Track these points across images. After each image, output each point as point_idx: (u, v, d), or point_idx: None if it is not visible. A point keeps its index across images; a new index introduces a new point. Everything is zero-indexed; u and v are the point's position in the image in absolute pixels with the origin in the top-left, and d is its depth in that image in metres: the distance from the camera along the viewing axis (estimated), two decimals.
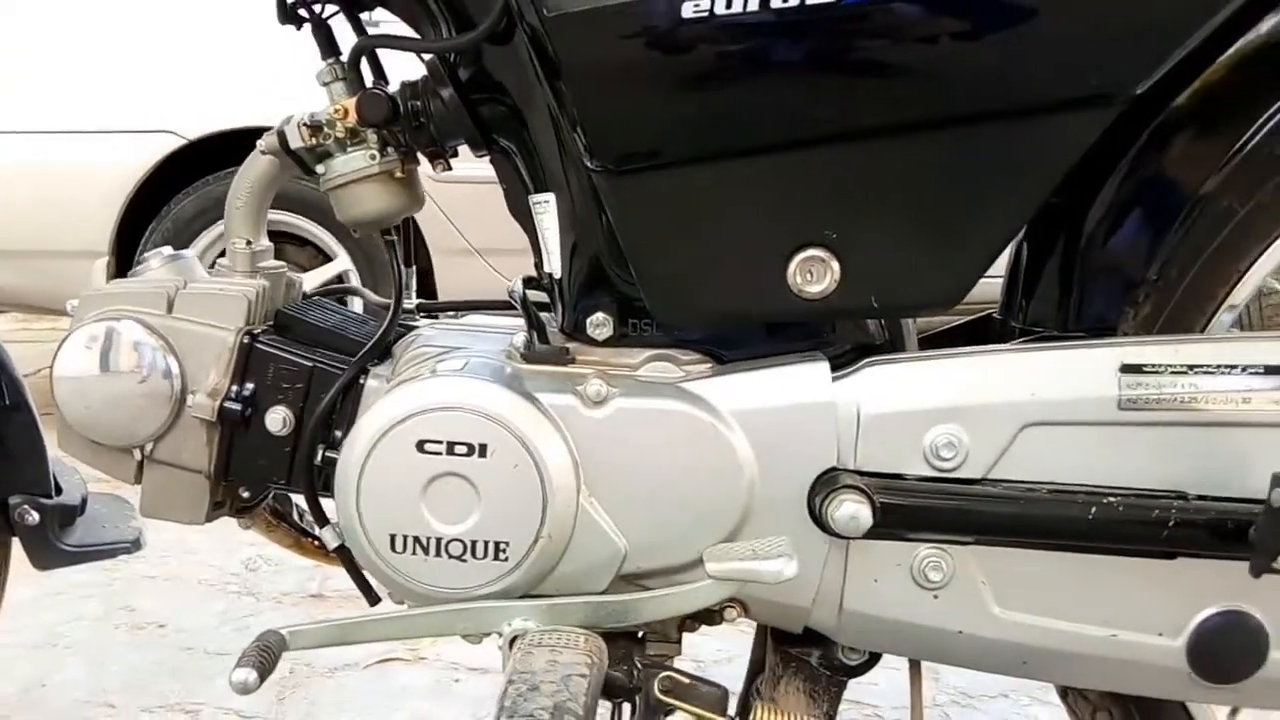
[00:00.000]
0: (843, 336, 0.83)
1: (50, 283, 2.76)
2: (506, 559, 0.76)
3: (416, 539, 0.76)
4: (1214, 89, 0.84)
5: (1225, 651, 0.79)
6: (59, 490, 1.06)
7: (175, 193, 2.86)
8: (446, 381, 0.77)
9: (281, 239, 3.18)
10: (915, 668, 0.91)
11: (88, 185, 2.79)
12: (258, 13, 1.07)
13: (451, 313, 1.02)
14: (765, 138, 0.73)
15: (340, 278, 2.85)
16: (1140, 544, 0.77)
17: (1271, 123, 0.80)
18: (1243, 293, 0.85)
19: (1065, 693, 0.96)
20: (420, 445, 0.75)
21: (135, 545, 1.19)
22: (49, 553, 1.05)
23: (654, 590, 0.76)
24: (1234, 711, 0.97)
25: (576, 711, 0.59)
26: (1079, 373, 0.78)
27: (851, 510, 0.75)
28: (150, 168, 2.85)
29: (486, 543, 0.76)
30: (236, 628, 1.77)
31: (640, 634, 0.86)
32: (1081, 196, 0.85)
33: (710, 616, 0.84)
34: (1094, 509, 0.76)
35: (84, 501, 1.08)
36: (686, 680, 0.76)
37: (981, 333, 0.94)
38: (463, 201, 2.99)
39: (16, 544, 1.07)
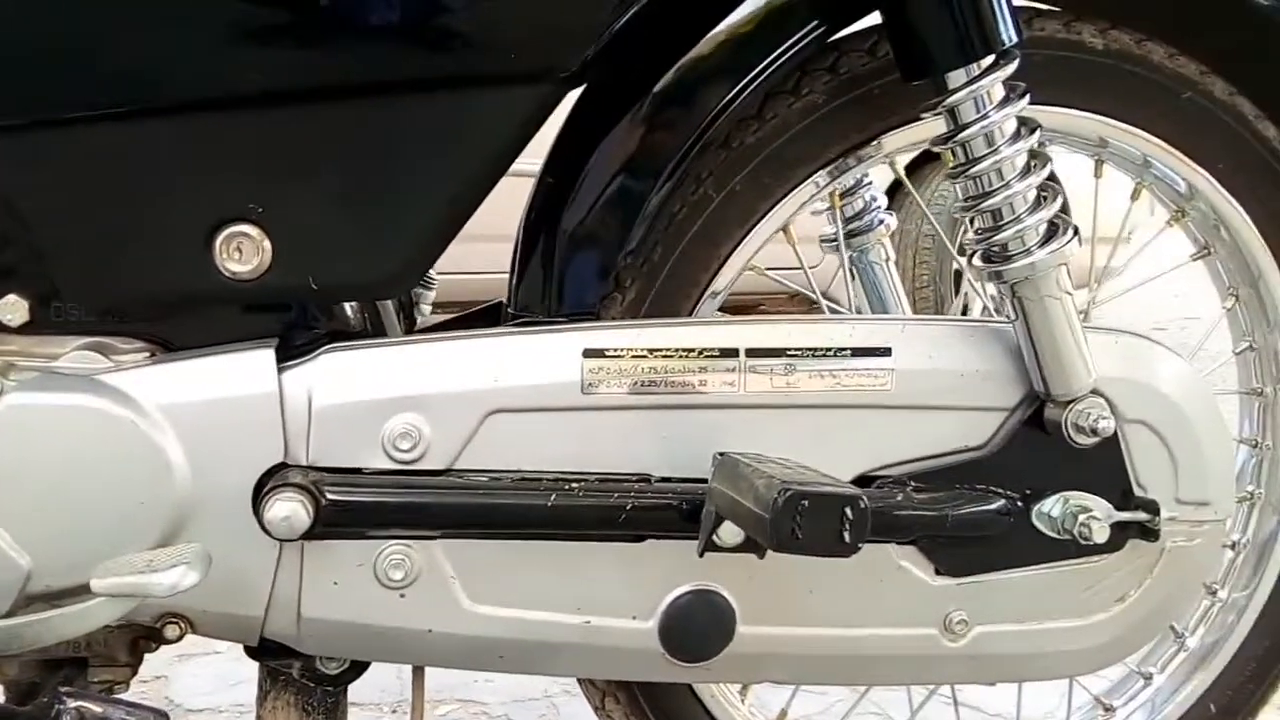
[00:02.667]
0: (313, 324, 0.78)
1: None
2: None
3: None
4: (686, 75, 0.86)
5: (695, 630, 0.81)
6: None
7: None
8: None
9: None
10: (417, 669, 0.87)
11: None
12: None
13: None
14: (165, 96, 0.66)
15: None
16: (601, 529, 0.77)
17: (732, 110, 0.83)
18: (725, 279, 0.88)
19: (580, 679, 0.96)
20: None
21: None
22: None
23: (40, 613, 0.67)
24: (745, 688, 1.01)
25: None
26: (542, 358, 0.76)
27: (285, 511, 0.69)
28: None
29: None
30: None
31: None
32: (566, 180, 0.85)
33: (158, 634, 0.76)
34: (554, 496, 0.75)
35: None
36: (100, 708, 0.68)
37: (493, 320, 0.91)
38: None
39: None
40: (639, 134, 0.85)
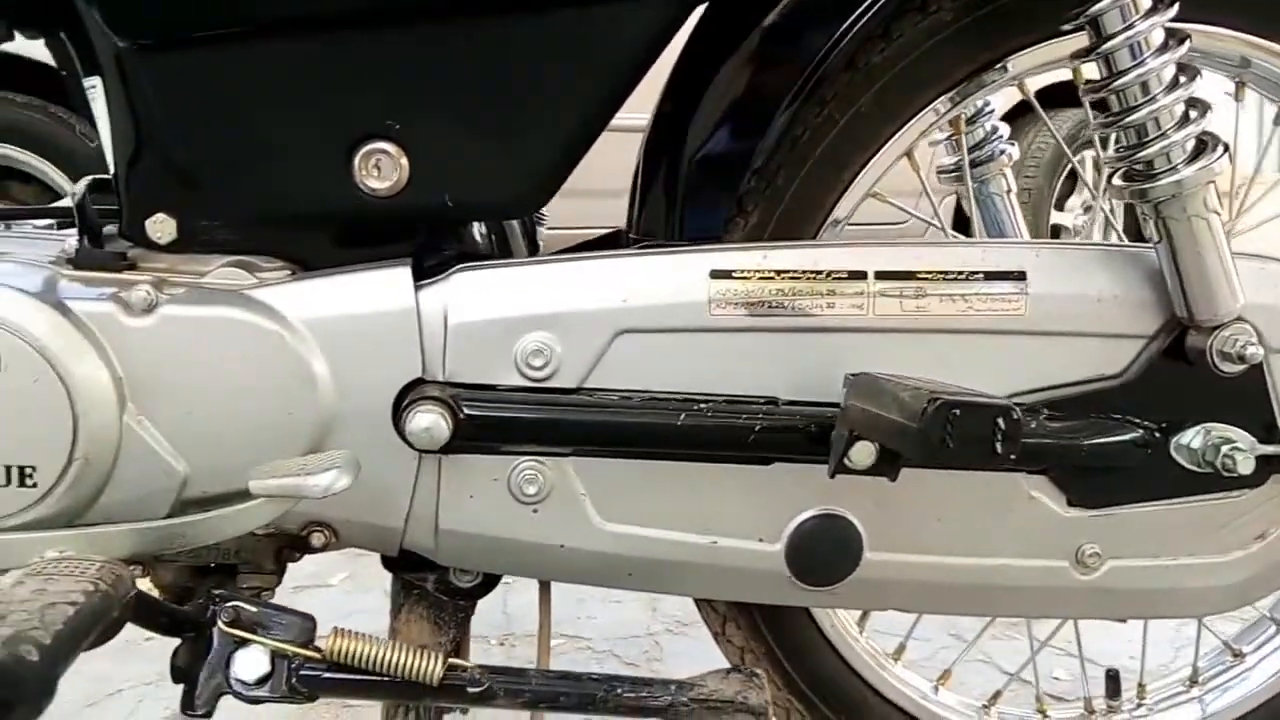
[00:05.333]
0: (444, 244, 0.79)
1: None
2: (35, 485, 0.68)
3: None
4: None
5: (821, 554, 0.80)
6: None
7: None
8: None
9: (6, 175, 2.88)
10: (544, 588, 0.89)
11: None
12: None
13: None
14: (308, 12, 0.68)
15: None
16: (729, 449, 0.77)
17: (858, 30, 0.81)
18: (847, 205, 0.86)
19: (700, 606, 0.97)
20: None
21: None
22: None
23: (202, 513, 0.70)
24: (863, 617, 1.01)
25: (41, 641, 0.53)
26: (670, 279, 0.76)
27: (427, 422, 0.71)
28: None
29: (8, 467, 0.68)
30: None
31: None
32: (689, 104, 0.84)
33: (303, 543, 0.79)
34: (683, 416, 0.75)
35: None
36: (254, 609, 0.71)
37: (613, 247, 0.92)
38: None
39: None
40: (762, 56, 0.83)
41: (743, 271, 0.77)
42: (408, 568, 0.83)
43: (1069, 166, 3.54)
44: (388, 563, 0.83)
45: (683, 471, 0.78)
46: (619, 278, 0.76)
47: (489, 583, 0.83)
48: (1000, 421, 0.60)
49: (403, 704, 0.84)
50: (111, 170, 0.74)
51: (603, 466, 0.77)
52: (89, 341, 0.69)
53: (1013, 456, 0.61)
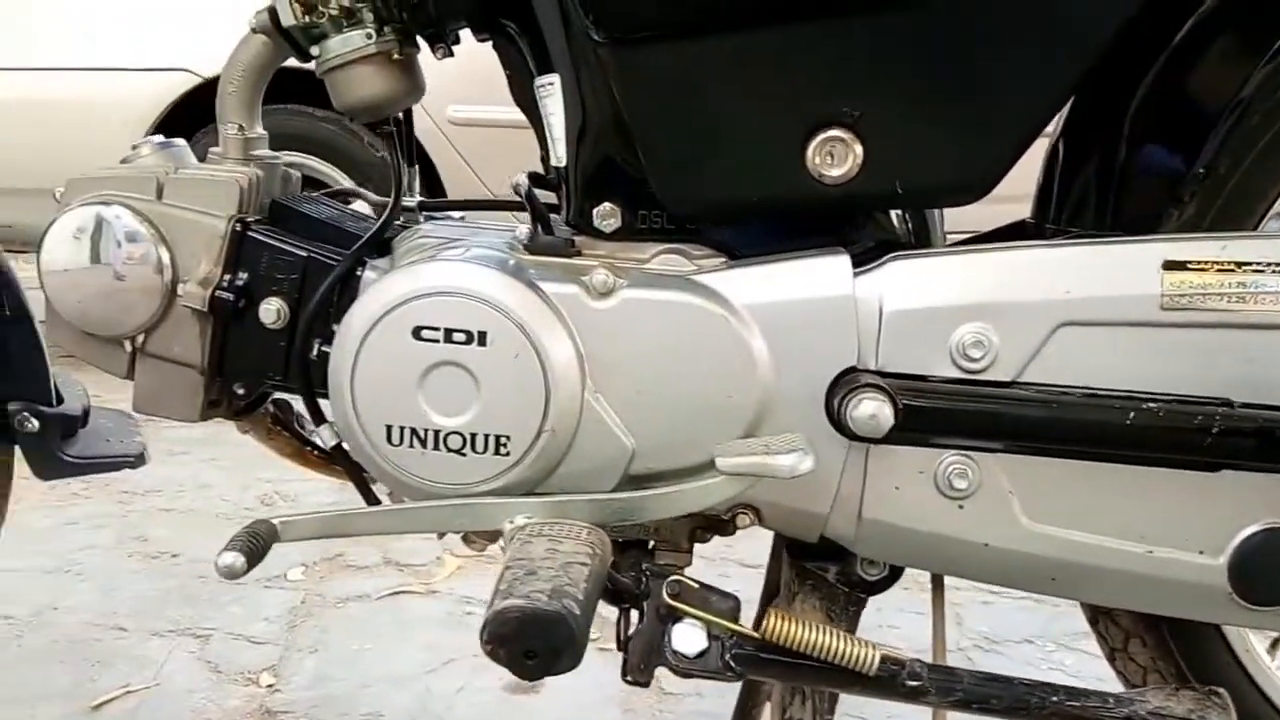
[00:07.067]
0: (865, 233, 0.79)
1: None
2: (508, 454, 0.73)
3: (414, 431, 0.73)
4: None
5: (1270, 571, 0.74)
6: (60, 400, 1.04)
7: (195, 131, 2.84)
8: (444, 266, 0.73)
9: (307, 185, 3.17)
10: (937, 586, 0.87)
11: (102, 123, 2.77)
12: None
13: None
14: (778, 5, 0.68)
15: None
16: (1181, 453, 0.72)
17: None
18: None
19: (1095, 619, 0.92)
20: (416, 332, 0.71)
21: (139, 460, 1.17)
22: (50, 462, 1.03)
23: (657, 488, 0.72)
24: (1275, 643, 0.93)
25: (576, 595, 0.56)
26: (1118, 270, 0.73)
27: (871, 409, 0.71)
28: (166, 106, 2.83)
29: (486, 436, 0.72)
30: None
31: (651, 545, 0.83)
32: (1122, 90, 0.80)
33: (722, 526, 0.80)
34: (1132, 415, 0.71)
35: (86, 413, 1.06)
36: (696, 586, 0.73)
37: (1015, 239, 0.88)
38: (484, 147, 2.99)
39: (20, 458, 1.06)
40: (1213, 35, 0.78)
41: (1199, 263, 0.72)
42: (810, 555, 0.83)
43: None
44: (790, 548, 0.84)
45: (1117, 474, 0.74)
46: (1061, 268, 0.73)
47: (892, 576, 0.82)
48: None
49: (800, 690, 0.85)
50: (560, 162, 0.78)
51: (1030, 465, 0.74)
52: (558, 320, 0.72)
53: None
